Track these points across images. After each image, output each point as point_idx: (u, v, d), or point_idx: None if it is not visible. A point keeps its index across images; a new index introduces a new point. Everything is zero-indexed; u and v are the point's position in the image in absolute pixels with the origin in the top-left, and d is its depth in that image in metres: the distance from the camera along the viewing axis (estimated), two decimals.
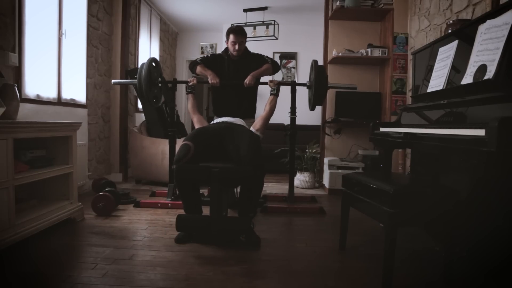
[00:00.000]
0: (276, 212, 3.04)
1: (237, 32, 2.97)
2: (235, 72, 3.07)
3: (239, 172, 2.19)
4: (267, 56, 3.20)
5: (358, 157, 4.01)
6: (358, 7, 3.75)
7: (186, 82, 3.16)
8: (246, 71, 3.02)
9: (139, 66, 4.67)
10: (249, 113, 3.15)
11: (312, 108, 3.26)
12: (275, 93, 3.00)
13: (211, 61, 3.14)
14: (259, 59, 3.14)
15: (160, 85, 3.33)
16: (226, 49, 3.10)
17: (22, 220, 2.06)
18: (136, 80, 3.11)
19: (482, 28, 1.77)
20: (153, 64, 3.18)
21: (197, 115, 2.90)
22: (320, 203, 3.43)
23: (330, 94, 4.01)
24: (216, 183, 2.14)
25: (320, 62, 4.29)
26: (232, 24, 5.31)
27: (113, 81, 3.63)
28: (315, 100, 3.11)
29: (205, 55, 3.31)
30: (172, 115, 3.40)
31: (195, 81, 3.10)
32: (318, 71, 3.05)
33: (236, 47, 2.96)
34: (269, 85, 3.08)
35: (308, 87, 3.30)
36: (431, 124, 1.99)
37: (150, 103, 3.21)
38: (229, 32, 3.00)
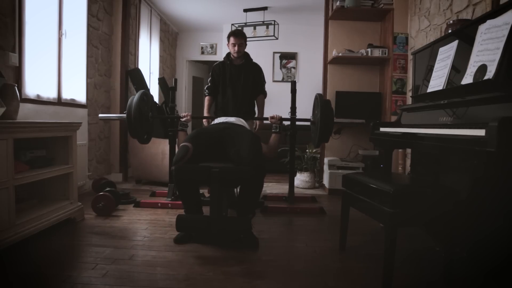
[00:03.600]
0: (276, 212, 3.04)
1: (237, 34, 3.10)
2: (236, 76, 3.19)
3: (239, 172, 2.18)
4: (263, 78, 3.33)
5: (358, 157, 4.01)
6: (358, 7, 3.75)
7: (179, 117, 2.91)
8: (246, 76, 3.18)
9: (139, 66, 4.72)
10: (249, 115, 3.24)
11: (317, 146, 3.10)
12: (277, 131, 2.77)
13: (215, 75, 3.24)
14: (258, 72, 3.27)
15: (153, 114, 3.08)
16: (228, 54, 3.23)
17: (22, 220, 2.06)
18: (125, 115, 2.80)
19: (482, 28, 1.77)
20: (144, 98, 2.86)
21: None
22: (320, 203, 3.43)
23: (330, 94, 4.02)
24: (216, 183, 2.13)
25: (320, 62, 4.34)
26: (232, 25, 5.41)
27: (100, 115, 3.31)
28: (321, 138, 2.87)
29: (210, 79, 3.27)
30: (172, 115, 3.39)
31: (188, 117, 2.89)
32: (323, 106, 2.79)
33: (236, 48, 3.10)
34: (270, 122, 2.87)
35: (312, 123, 3.07)
36: (431, 124, 1.99)
37: (140, 140, 2.93)
38: (229, 35, 3.15)
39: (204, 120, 3.29)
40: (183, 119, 2.87)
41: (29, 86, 2.75)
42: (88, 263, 1.87)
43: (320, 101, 2.84)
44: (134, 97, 2.78)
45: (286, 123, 3.17)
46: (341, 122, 3.44)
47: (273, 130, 2.80)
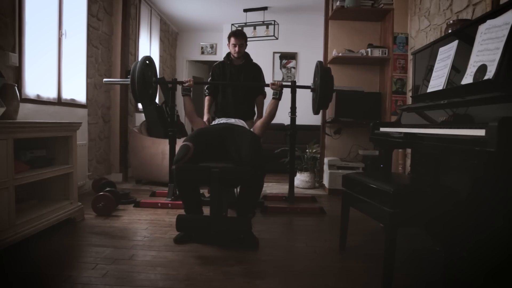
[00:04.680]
0: (276, 212, 3.04)
1: (237, 35, 3.12)
2: (236, 76, 3.20)
3: (239, 172, 2.18)
4: (263, 79, 3.35)
5: (358, 157, 4.01)
6: (358, 7, 3.75)
7: (182, 83, 3.06)
8: (246, 76, 3.20)
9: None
10: (248, 115, 3.25)
11: (316, 112, 3.18)
12: (277, 97, 2.93)
13: (215, 75, 3.25)
14: (258, 72, 3.28)
15: (154, 85, 3.25)
16: (228, 54, 3.24)
17: (22, 220, 2.06)
18: (128, 80, 2.97)
19: (482, 28, 1.77)
20: (147, 62, 3.04)
21: (199, 119, 2.89)
22: (320, 203, 3.43)
23: None
24: (216, 183, 2.13)
25: None
26: (232, 24, 5.41)
27: (104, 80, 3.47)
28: (320, 103, 3.02)
29: (210, 79, 3.29)
30: (172, 115, 3.40)
31: (191, 82, 3.02)
32: (323, 73, 2.95)
33: (236, 49, 3.11)
34: (271, 88, 3.03)
35: (313, 90, 3.23)
36: (431, 124, 1.99)
37: (144, 103, 3.08)
38: (230, 35, 3.16)
39: (204, 120, 3.28)
40: (186, 84, 3.01)
41: (29, 86, 2.75)
42: (88, 263, 1.87)
43: (320, 68, 2.98)
44: (138, 62, 2.92)
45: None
46: (341, 90, 3.43)
47: (273, 96, 2.94)
